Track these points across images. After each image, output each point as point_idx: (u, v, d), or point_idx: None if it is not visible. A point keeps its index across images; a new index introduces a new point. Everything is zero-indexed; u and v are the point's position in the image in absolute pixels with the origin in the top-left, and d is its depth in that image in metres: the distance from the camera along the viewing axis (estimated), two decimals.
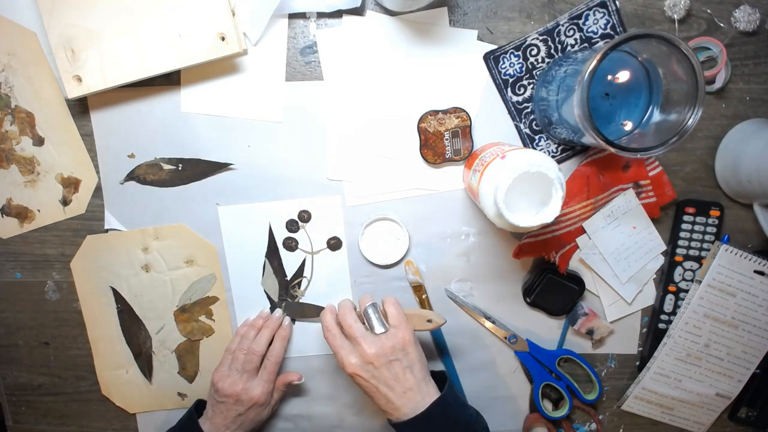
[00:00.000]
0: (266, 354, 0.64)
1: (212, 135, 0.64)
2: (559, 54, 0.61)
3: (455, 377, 0.67)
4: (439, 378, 0.57)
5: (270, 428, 0.69)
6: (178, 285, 0.67)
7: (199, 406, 0.65)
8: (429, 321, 0.59)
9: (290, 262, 0.66)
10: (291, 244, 0.66)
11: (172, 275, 0.67)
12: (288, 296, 0.67)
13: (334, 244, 0.66)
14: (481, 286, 0.66)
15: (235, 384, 0.61)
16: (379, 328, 0.54)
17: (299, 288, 0.67)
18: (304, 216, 0.65)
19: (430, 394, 0.53)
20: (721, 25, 0.60)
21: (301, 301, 0.67)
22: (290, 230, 0.65)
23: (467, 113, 0.61)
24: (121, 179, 0.65)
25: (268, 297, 0.67)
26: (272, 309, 0.67)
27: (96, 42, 0.59)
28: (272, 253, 0.66)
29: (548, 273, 0.63)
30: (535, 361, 0.66)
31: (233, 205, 0.65)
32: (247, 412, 0.61)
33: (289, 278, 0.67)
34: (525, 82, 0.62)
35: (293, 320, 0.67)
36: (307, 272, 0.66)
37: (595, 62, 0.46)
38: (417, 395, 0.53)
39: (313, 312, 0.66)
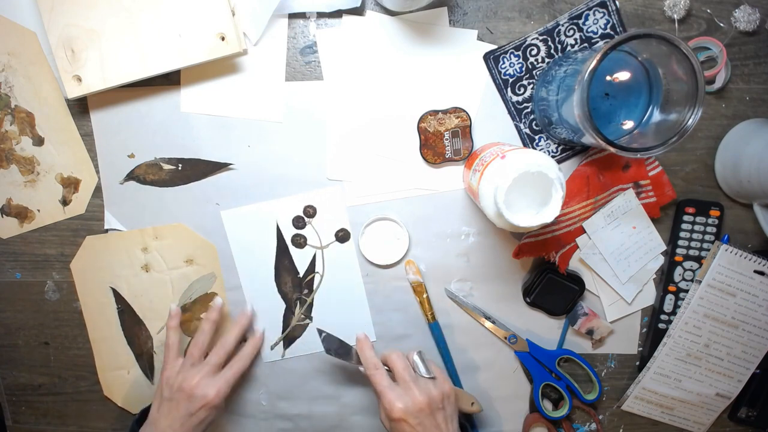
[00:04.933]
0: (235, 355, 0.62)
1: (212, 135, 0.64)
2: (559, 54, 0.61)
3: (455, 377, 0.67)
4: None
5: (270, 428, 0.69)
6: (179, 284, 0.67)
7: (143, 417, 0.61)
8: (472, 404, 0.62)
9: (301, 259, 0.66)
10: (299, 241, 0.65)
11: (172, 275, 0.67)
12: (302, 295, 0.66)
13: (343, 236, 0.65)
14: (481, 286, 0.66)
15: (190, 378, 0.58)
16: (428, 373, 0.55)
17: (313, 285, 0.66)
18: (310, 211, 0.64)
19: None
20: (721, 25, 0.60)
21: (314, 300, 0.66)
22: (297, 227, 0.65)
23: (467, 113, 0.61)
24: (121, 179, 0.65)
25: (284, 298, 0.67)
26: (288, 309, 0.67)
27: (96, 42, 0.59)
28: (282, 252, 0.66)
29: (548, 273, 0.63)
30: (535, 361, 0.66)
31: (236, 207, 0.65)
32: (198, 412, 0.57)
33: (301, 275, 0.66)
34: (525, 82, 0.62)
35: (328, 352, 0.61)
36: (318, 268, 0.66)
37: (595, 62, 0.46)
38: None
39: (348, 351, 0.62)
